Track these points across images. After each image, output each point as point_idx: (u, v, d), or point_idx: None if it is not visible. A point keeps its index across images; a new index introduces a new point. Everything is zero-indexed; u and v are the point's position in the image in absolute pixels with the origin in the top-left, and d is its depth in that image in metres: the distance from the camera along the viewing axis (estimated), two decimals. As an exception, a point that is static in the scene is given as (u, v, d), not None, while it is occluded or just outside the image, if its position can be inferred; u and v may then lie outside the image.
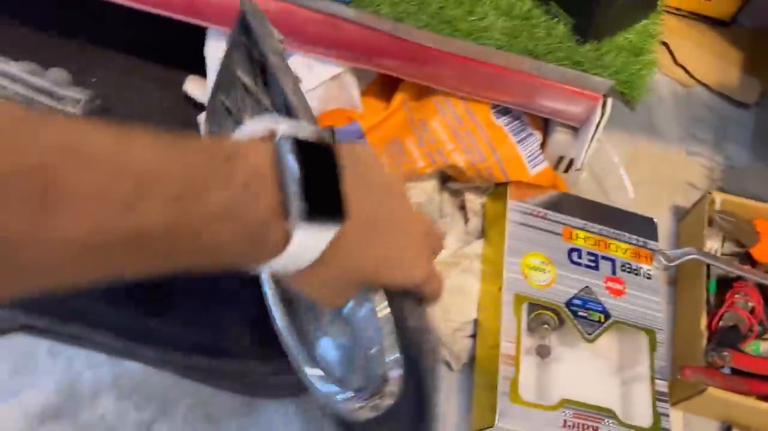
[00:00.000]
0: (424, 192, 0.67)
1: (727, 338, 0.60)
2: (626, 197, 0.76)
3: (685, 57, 0.88)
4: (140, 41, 0.74)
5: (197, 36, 0.64)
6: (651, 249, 0.65)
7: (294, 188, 0.28)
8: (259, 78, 0.51)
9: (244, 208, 0.28)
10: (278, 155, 0.29)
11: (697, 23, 0.91)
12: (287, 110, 0.53)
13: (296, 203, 0.28)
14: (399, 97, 0.65)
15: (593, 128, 0.57)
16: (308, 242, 0.29)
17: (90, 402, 0.57)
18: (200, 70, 0.70)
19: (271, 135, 0.30)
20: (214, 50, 0.63)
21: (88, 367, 0.58)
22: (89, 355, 0.61)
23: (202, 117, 0.66)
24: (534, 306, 0.59)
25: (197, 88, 0.71)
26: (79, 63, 0.69)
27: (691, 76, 0.88)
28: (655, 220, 0.68)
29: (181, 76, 0.72)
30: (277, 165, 0.28)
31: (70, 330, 0.61)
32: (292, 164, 0.28)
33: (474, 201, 0.70)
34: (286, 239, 0.29)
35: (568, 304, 0.60)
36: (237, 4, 0.56)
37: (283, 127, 0.30)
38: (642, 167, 0.80)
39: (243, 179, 0.28)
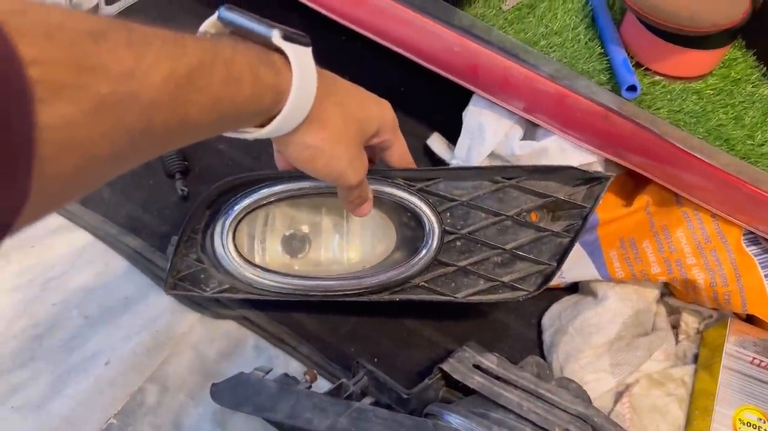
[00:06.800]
0: (644, 299, 0.65)
1: None
2: None
3: None
4: (394, 89, 0.81)
5: (453, 96, 0.68)
6: None
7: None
8: None
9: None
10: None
11: None
12: None
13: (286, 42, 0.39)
14: (643, 199, 0.64)
15: None
16: (301, 62, 0.39)
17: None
18: (444, 129, 0.75)
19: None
20: (473, 115, 0.67)
21: (284, 369, 0.61)
22: (288, 359, 0.65)
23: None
24: (743, 462, 0.54)
25: (439, 145, 0.75)
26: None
27: None
28: None
29: (427, 131, 0.76)
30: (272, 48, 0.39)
31: (279, 333, 0.65)
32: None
33: (690, 324, 0.66)
34: (288, 66, 0.39)
35: (784, 468, 0.54)
36: (508, 75, 0.60)
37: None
38: None
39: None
